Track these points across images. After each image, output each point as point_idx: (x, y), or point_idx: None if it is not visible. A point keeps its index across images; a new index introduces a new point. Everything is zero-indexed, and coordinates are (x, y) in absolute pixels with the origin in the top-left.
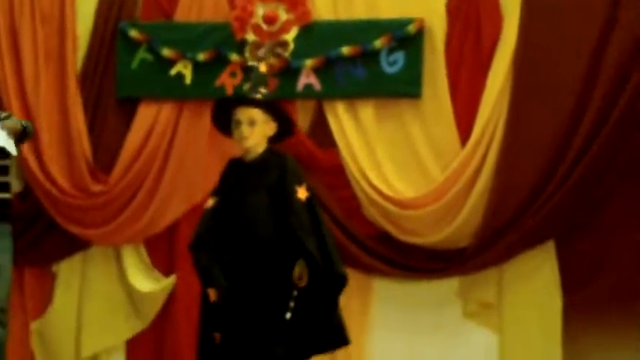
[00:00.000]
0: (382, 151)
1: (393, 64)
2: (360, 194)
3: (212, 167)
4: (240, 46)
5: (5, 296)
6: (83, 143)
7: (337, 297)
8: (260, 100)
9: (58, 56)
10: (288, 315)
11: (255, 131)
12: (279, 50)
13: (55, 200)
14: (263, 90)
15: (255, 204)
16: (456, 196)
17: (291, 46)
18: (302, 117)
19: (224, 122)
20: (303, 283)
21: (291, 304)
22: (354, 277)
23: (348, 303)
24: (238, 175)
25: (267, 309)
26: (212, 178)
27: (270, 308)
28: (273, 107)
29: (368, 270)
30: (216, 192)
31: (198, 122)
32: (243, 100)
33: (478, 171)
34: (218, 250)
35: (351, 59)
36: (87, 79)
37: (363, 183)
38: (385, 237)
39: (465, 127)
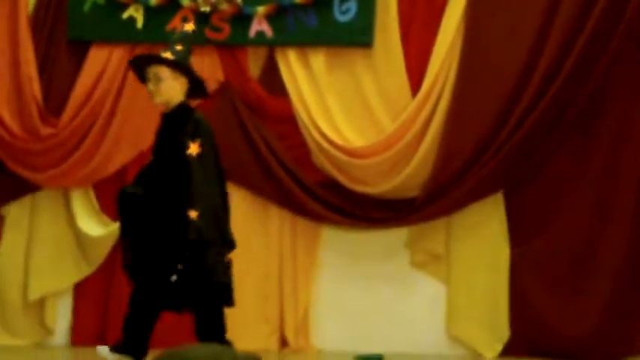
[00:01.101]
0: (333, 99)
1: (345, 12)
2: (310, 142)
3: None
4: None
5: None
6: (33, 86)
7: (202, 256)
8: (161, 58)
9: None
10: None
11: (162, 87)
12: None
13: (5, 143)
14: (178, 48)
15: (157, 157)
16: (405, 146)
17: None
18: (253, 64)
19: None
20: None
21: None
22: (302, 225)
23: (296, 250)
24: (160, 129)
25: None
26: None
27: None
28: (176, 64)
29: (316, 218)
30: (152, 148)
31: None
32: (144, 58)
33: (428, 122)
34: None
35: (303, 7)
36: (38, 21)
37: (314, 131)
38: (334, 185)
39: (416, 78)
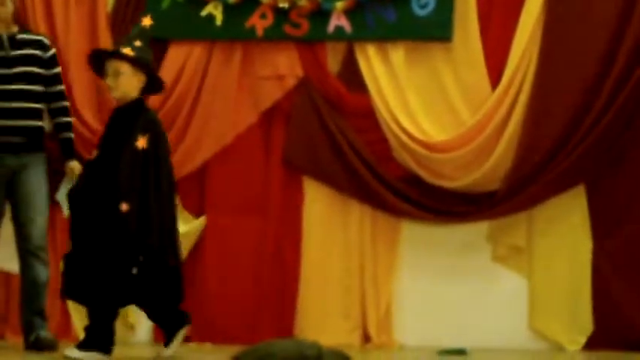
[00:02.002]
0: (413, 94)
1: (424, 6)
2: (390, 137)
3: (242, 108)
4: None
5: (44, 230)
6: None
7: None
8: (123, 54)
9: None
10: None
11: (121, 82)
12: None
13: (87, 141)
14: (138, 43)
15: (104, 150)
16: (486, 140)
17: None
18: (332, 59)
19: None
20: None
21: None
22: (382, 220)
23: (376, 245)
24: (110, 123)
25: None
26: (242, 119)
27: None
28: (137, 61)
29: (397, 213)
30: (98, 142)
31: (229, 64)
32: (105, 53)
33: (508, 115)
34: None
35: (381, 1)
36: (117, 19)
37: (394, 126)
38: (415, 180)
39: (495, 71)
